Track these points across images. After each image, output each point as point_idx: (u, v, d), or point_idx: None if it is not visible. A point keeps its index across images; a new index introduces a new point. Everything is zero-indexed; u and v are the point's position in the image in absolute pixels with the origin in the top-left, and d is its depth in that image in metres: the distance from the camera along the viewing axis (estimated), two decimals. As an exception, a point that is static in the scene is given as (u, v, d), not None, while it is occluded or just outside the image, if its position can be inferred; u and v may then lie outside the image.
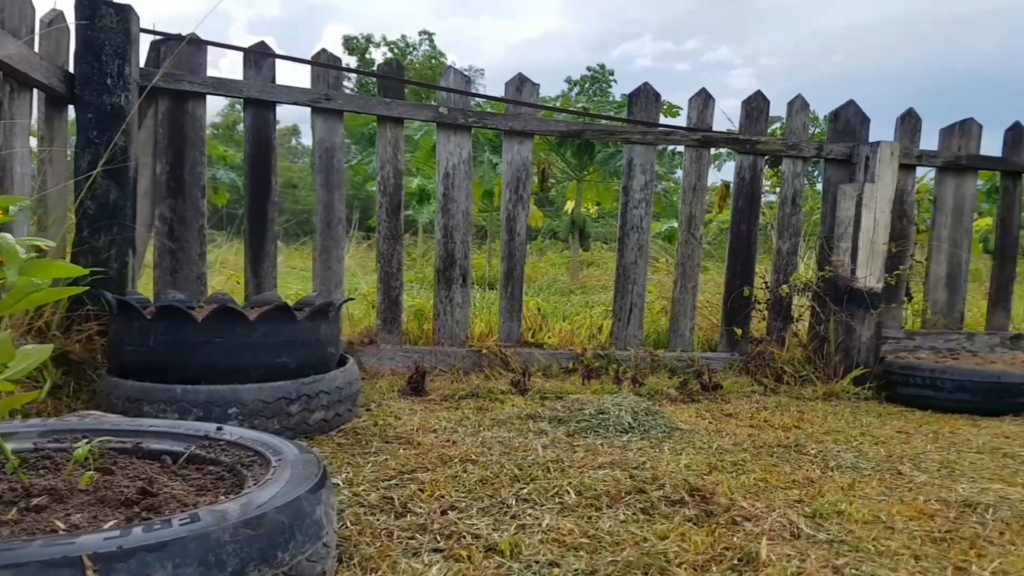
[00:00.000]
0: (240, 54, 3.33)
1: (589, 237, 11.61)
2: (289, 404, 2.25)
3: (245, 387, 2.21)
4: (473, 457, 2.14)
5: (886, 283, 3.85)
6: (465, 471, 2.00)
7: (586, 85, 41.98)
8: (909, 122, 4.04)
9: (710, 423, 2.83)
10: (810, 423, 2.91)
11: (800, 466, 2.19)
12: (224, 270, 6.29)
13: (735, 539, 1.52)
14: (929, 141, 4.13)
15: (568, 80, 43.08)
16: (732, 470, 2.12)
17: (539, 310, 4.41)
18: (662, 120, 3.92)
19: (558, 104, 11.10)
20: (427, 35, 44.32)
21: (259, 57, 3.34)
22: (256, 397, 2.21)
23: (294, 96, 3.37)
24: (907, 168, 4.02)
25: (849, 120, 3.97)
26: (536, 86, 3.70)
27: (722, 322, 4.01)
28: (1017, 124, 4.21)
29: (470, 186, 3.67)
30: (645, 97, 3.83)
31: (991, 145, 4.21)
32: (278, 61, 3.37)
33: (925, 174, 4.47)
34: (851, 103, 3.99)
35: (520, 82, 3.69)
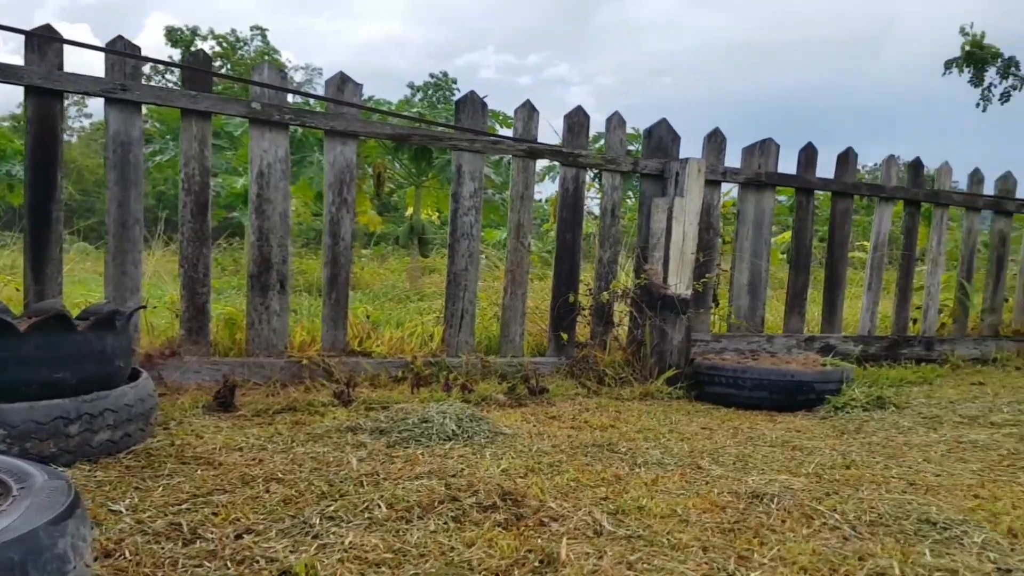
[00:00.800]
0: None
1: (429, 243, 11.58)
2: (68, 424, 2.01)
3: (14, 406, 1.95)
4: (279, 475, 2.02)
5: (695, 290, 4.13)
6: (268, 491, 1.88)
7: (429, 91, 42.01)
8: (715, 141, 4.37)
9: (534, 426, 2.88)
10: (625, 422, 3.04)
11: (611, 464, 2.28)
12: (14, 276, 5.60)
13: (539, 541, 1.54)
14: (735, 159, 4.49)
15: (411, 85, 42.89)
16: (548, 472, 2.16)
17: (368, 317, 4.30)
18: (499, 131, 3.97)
19: (403, 107, 10.98)
20: (260, 31, 42.26)
21: (44, 41, 3.00)
22: (28, 417, 1.96)
23: (84, 85, 3.06)
24: (713, 183, 4.34)
25: (662, 137, 4.23)
26: (359, 86, 3.61)
27: (550, 327, 4.11)
28: (809, 145, 4.68)
29: (287, 186, 3.51)
30: (472, 105, 3.86)
31: (790, 164, 4.67)
32: (82, 50, 3.05)
33: (730, 189, 4.87)
34: (663, 121, 4.25)
35: (342, 81, 3.59)
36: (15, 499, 1.02)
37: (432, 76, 42.70)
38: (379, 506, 1.75)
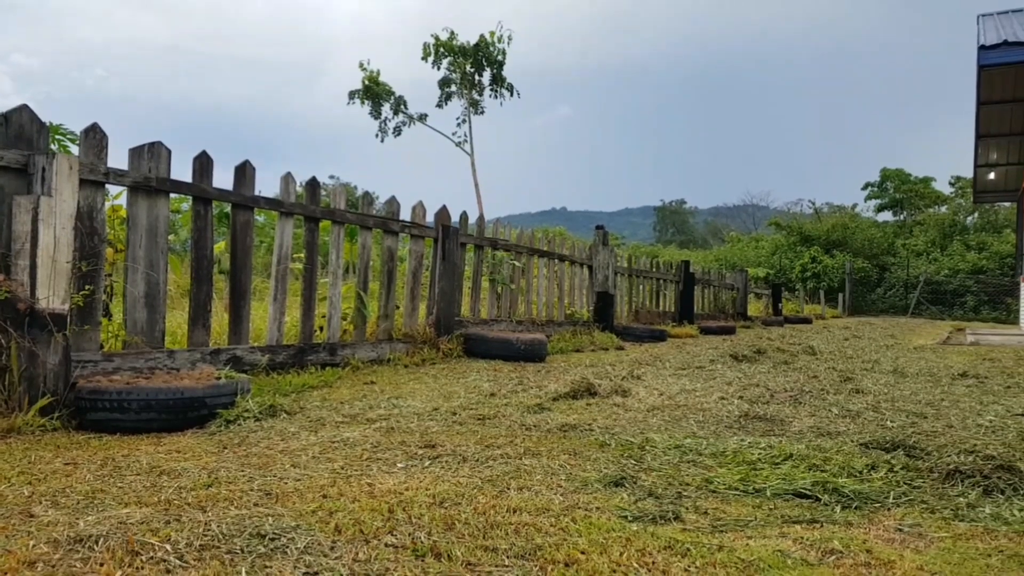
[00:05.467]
0: None
1: None
2: None
3: None
4: None
5: (75, 304, 3.65)
6: None
7: None
8: (95, 137, 3.95)
9: None
10: (-41, 472, 2.47)
11: None
12: None
13: None
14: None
15: None
16: None
17: None
18: None
19: None
20: None
21: None
22: None
23: None
24: (96, 184, 3.91)
25: (23, 126, 3.62)
26: None
27: None
28: (204, 153, 4.61)
29: None
30: None
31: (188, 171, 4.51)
32: None
33: (121, 192, 4.46)
34: (25, 107, 3.65)
35: None
36: None
37: None
38: None
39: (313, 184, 5.55)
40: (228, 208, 4.98)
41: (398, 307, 6.61)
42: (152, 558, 1.62)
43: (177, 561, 1.62)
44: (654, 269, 13.17)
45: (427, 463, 2.70)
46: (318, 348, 5.50)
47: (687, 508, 2.23)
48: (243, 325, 4.96)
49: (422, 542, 1.80)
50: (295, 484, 2.37)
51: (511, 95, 23.21)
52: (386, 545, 1.77)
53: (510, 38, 22.15)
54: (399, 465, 2.67)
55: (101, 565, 1.57)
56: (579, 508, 2.17)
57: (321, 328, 5.75)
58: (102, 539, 1.70)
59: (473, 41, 21.85)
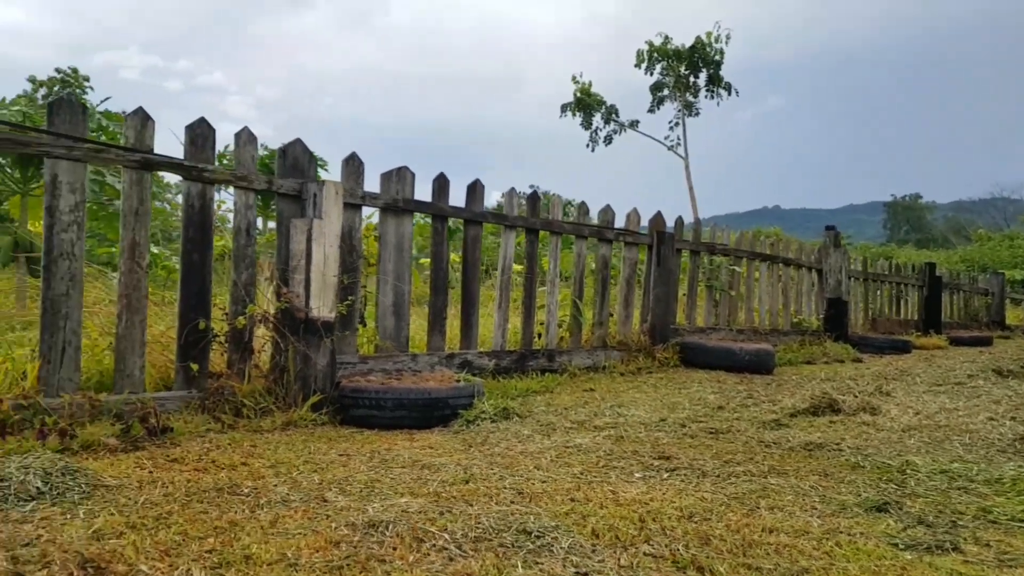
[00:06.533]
0: None
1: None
2: None
3: None
4: None
5: (339, 312, 4.11)
6: None
7: (55, 88, 36.08)
8: (353, 165, 4.43)
9: (148, 473, 2.57)
10: (260, 457, 2.88)
11: (229, 509, 2.12)
12: None
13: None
14: (375, 184, 4.59)
15: (32, 80, 36.42)
16: (152, 527, 1.93)
17: (-68, 355, 3.46)
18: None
19: (2, 106, 9.18)
20: None
21: None
22: None
23: None
24: (354, 207, 4.39)
25: (297, 158, 4.15)
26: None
27: (178, 357, 3.74)
28: (441, 175, 5.00)
29: None
30: (70, 108, 3.36)
31: (428, 191, 4.91)
32: None
33: (373, 212, 4.96)
34: (298, 141, 4.18)
35: None
36: None
37: (59, 71, 36.71)
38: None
39: (533, 197, 5.77)
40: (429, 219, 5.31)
41: (612, 315, 6.66)
42: (435, 545, 1.79)
43: (457, 550, 1.77)
44: (893, 272, 11.98)
45: (665, 475, 2.69)
46: (538, 354, 5.70)
47: (965, 539, 2.02)
48: (473, 331, 5.28)
49: (681, 554, 1.80)
50: (542, 486, 2.48)
51: (729, 94, 22.43)
52: (644, 554, 1.80)
53: (728, 37, 21.45)
54: (636, 475, 2.69)
55: (394, 549, 1.77)
56: (841, 532, 2.04)
57: (539, 335, 5.95)
58: (391, 525, 1.91)
59: (689, 43, 21.46)
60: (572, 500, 2.30)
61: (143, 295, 3.60)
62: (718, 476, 2.68)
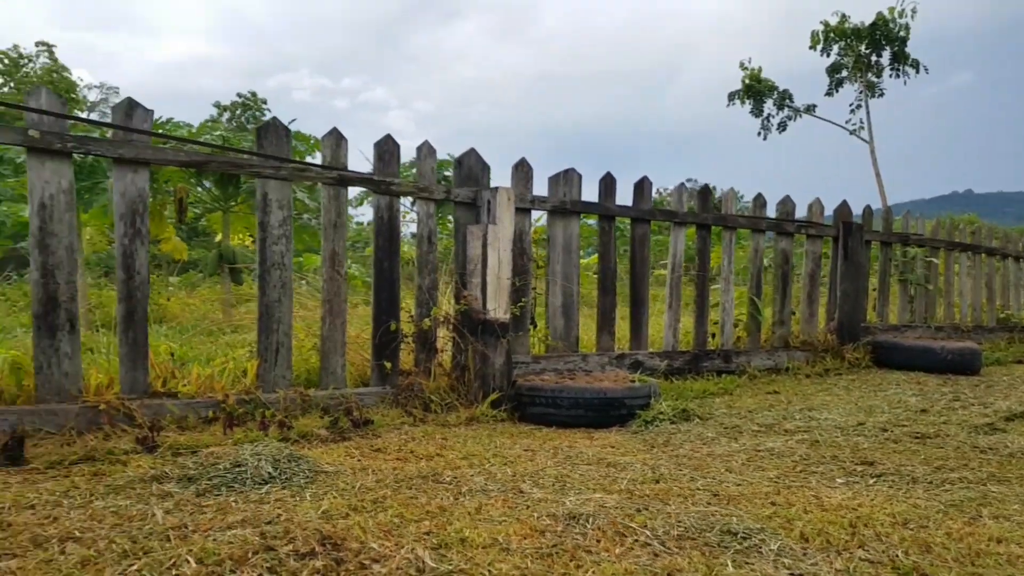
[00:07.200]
0: None
1: (241, 271, 10.96)
2: None
3: None
4: (76, 534, 1.83)
5: (512, 314, 4.25)
6: (63, 552, 1.69)
7: (237, 111, 40.10)
8: (522, 170, 4.55)
9: (358, 461, 2.80)
10: (452, 449, 3.05)
11: (436, 496, 2.27)
12: None
13: (361, 587, 1.49)
14: (541, 187, 4.69)
15: (217, 105, 40.70)
16: (371, 509, 2.11)
17: (172, 355, 3.97)
18: (312, 157, 3.87)
19: (204, 130, 10.36)
20: (46, 47, 37.85)
21: None
22: None
23: None
24: (524, 211, 4.52)
25: (471, 167, 4.34)
26: (149, 112, 3.41)
27: (373, 356, 4.04)
28: (608, 175, 5.01)
29: (74, 218, 3.20)
30: (275, 132, 3.74)
31: (592, 190, 4.93)
32: None
33: (540, 216, 5.06)
34: (472, 151, 4.37)
35: (130, 107, 3.35)
36: None
37: (240, 96, 40.79)
38: (187, 562, 1.62)
39: (704, 192, 5.63)
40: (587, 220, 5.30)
41: (794, 313, 6.33)
42: (638, 541, 1.82)
43: (660, 546, 1.78)
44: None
45: (871, 480, 2.54)
46: (712, 355, 5.55)
47: None
48: (642, 331, 5.24)
49: (901, 561, 1.70)
50: (737, 488, 2.42)
51: (916, 72, 20.56)
52: (860, 559, 1.72)
53: (914, 11, 19.68)
54: (839, 480, 2.56)
55: (598, 541, 1.81)
56: (1090, 547, 1.83)
57: (713, 335, 5.78)
58: (591, 518, 1.96)
59: (868, 21, 19.92)
60: (773, 504, 2.23)
61: (343, 300, 3.93)
62: (930, 483, 2.49)
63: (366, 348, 4.26)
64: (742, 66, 21.65)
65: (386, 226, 4.05)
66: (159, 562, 1.62)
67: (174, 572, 1.58)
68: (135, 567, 1.59)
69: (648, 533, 1.87)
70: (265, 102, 41.26)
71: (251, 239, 11.59)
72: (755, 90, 21.92)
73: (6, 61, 36.38)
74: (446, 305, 4.37)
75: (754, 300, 5.91)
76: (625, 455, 2.96)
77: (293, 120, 12.72)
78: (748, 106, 22.03)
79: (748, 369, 5.57)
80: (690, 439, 3.29)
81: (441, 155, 4.50)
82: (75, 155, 3.22)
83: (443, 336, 4.28)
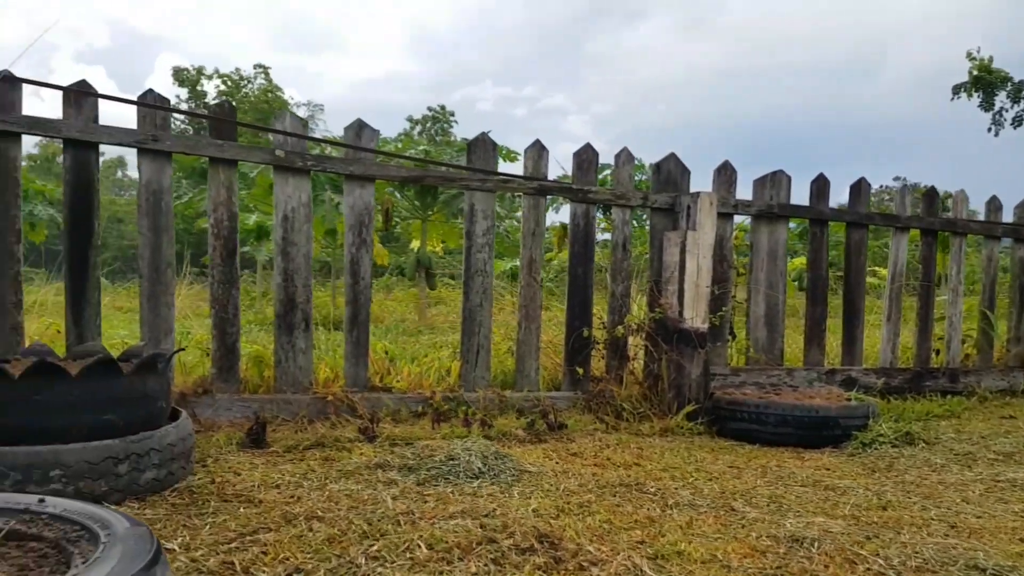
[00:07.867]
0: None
1: (435, 276, 11.65)
2: (117, 464, 2.09)
3: (68, 447, 2.03)
4: (319, 514, 2.03)
5: (711, 323, 4.12)
6: (311, 529, 1.89)
7: (427, 124, 42.62)
8: (725, 174, 4.40)
9: (557, 464, 2.86)
10: (649, 460, 3.02)
11: (641, 505, 2.26)
12: (43, 316, 5.63)
13: (584, 588, 1.52)
14: (743, 190, 4.51)
15: (410, 119, 43.54)
16: (579, 512, 2.15)
17: (387, 353, 4.30)
18: (501, 165, 4.04)
19: (399, 144, 11.15)
20: (262, 69, 42.78)
21: (80, 96, 3.11)
22: (80, 458, 2.03)
23: (118, 137, 3.21)
24: (725, 216, 4.36)
25: (671, 171, 4.27)
26: (376, 132, 3.74)
27: (565, 362, 4.10)
28: (821, 176, 4.70)
29: (310, 229, 3.59)
30: (483, 146, 3.92)
31: (799, 193, 4.65)
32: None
33: (742, 221, 4.87)
34: (672, 156, 4.29)
35: (360, 127, 3.68)
36: (105, 546, 1.08)
37: (430, 109, 43.32)
38: (419, 547, 1.75)
39: (931, 194, 5.12)
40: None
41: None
42: (870, 570, 1.69)
43: (896, 578, 1.65)
44: None
45: None
46: (936, 373, 5.02)
47: None
48: (856, 346, 4.86)
49: None
50: (977, 521, 2.18)
51: None
52: None
53: None
54: (1110, 522, 2.21)
55: (826, 567, 1.71)
56: None
57: (937, 351, 5.24)
58: (816, 542, 1.85)
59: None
60: (1023, 541, 1.98)
61: (538, 305, 4.03)
62: None
63: (557, 352, 4.33)
64: (970, 56, 19.35)
65: (582, 233, 4.10)
66: (395, 544, 1.76)
67: (408, 555, 1.70)
68: (375, 547, 1.74)
69: (882, 562, 1.73)
70: (453, 114, 43.52)
71: (442, 246, 12.26)
72: (985, 81, 19.47)
73: (228, 83, 41.46)
74: (638, 312, 4.33)
75: (987, 314, 5.29)
76: (843, 478, 2.76)
77: (487, 132, 13.32)
78: (976, 99, 19.60)
79: (978, 390, 4.99)
80: (916, 464, 3.00)
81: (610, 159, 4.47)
82: (312, 172, 3.59)
83: (634, 344, 4.25)
